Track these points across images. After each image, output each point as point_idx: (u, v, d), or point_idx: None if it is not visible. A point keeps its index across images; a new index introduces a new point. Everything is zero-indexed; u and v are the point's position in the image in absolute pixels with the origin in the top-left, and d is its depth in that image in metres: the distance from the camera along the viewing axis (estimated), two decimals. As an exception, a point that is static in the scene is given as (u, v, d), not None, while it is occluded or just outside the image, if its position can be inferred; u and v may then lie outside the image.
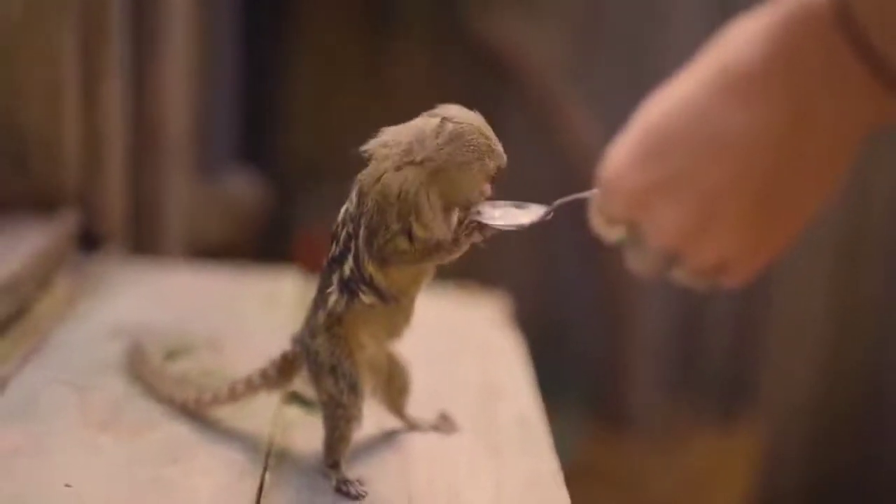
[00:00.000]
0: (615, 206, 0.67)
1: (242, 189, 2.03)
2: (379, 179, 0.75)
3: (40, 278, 1.14)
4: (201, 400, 0.90)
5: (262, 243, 2.18)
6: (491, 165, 0.76)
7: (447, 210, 0.76)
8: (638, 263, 0.70)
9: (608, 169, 0.67)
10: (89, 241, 1.30)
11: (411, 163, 0.74)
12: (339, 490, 0.81)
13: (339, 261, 0.79)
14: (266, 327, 1.12)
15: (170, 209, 1.61)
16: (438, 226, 0.76)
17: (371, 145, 0.76)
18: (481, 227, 0.76)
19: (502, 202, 0.78)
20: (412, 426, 0.92)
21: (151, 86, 1.57)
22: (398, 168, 0.75)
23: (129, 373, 0.98)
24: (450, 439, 0.91)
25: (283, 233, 2.38)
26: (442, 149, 0.74)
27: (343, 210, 0.79)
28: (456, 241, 0.76)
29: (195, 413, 0.91)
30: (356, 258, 0.78)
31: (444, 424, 0.93)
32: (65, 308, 1.13)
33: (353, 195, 0.77)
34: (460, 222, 0.77)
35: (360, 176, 0.77)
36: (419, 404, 0.93)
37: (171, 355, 1.04)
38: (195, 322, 1.13)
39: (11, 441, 0.84)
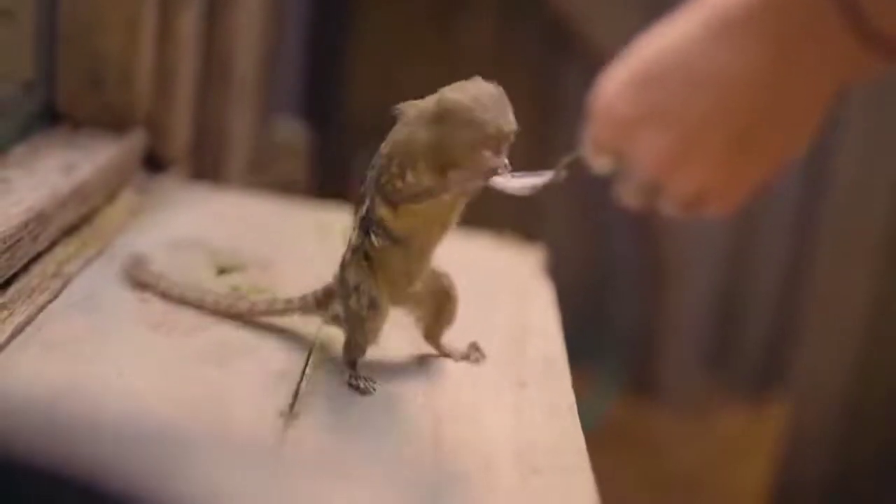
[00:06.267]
0: (604, 135, 0.71)
1: (290, 139, 2.07)
2: (395, 134, 0.85)
3: (108, 190, 1.21)
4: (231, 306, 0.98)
5: (317, 195, 2.23)
6: (475, 136, 0.81)
7: (446, 167, 0.83)
8: (625, 193, 0.74)
9: (598, 99, 0.71)
10: (155, 162, 1.38)
11: (417, 128, 0.84)
12: (350, 385, 0.88)
13: (361, 200, 0.88)
14: (316, 252, 1.18)
15: (233, 142, 1.68)
16: (428, 177, 0.83)
17: (402, 106, 0.85)
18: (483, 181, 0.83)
19: (525, 173, 0.84)
20: (444, 354, 0.98)
21: (224, 24, 1.64)
22: (410, 127, 0.84)
23: (132, 282, 1.03)
24: (478, 368, 0.96)
25: (338, 188, 2.42)
26: (432, 125, 0.82)
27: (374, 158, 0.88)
28: (443, 190, 0.84)
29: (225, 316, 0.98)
30: (371, 199, 0.87)
31: (474, 353, 0.98)
32: (128, 219, 1.20)
33: (382, 146, 0.87)
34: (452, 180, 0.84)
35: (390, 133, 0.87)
36: (450, 339, 0.97)
37: (223, 271, 1.10)
38: (248, 242, 1.19)
39: (72, 329, 0.91)
